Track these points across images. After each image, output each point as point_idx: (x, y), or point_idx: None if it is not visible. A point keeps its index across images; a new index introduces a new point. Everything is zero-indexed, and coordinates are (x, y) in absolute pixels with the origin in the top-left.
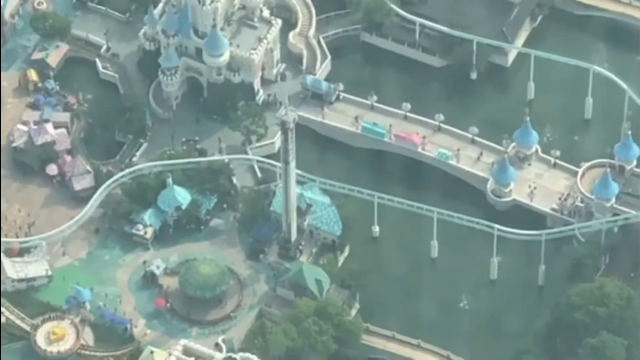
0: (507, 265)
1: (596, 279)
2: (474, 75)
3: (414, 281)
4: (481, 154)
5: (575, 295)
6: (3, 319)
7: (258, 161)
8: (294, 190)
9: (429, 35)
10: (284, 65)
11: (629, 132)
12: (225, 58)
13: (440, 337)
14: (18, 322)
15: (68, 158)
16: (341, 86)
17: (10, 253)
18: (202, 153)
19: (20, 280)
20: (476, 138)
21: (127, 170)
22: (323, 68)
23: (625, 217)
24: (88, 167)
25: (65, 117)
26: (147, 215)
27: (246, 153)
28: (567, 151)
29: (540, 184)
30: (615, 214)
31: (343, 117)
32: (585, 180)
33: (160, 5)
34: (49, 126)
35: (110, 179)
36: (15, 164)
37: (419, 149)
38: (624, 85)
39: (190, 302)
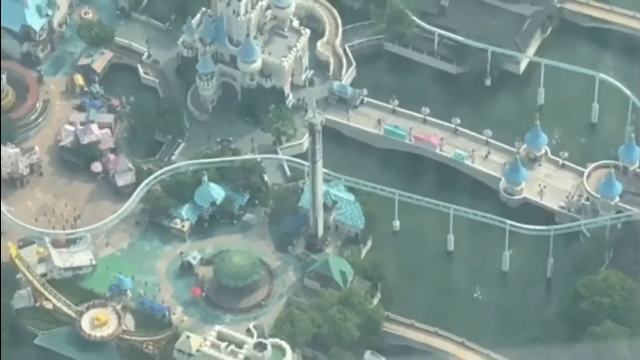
0: (518, 258)
1: (601, 271)
2: (488, 82)
3: (432, 273)
4: (489, 152)
5: (581, 287)
6: (50, 306)
7: (288, 160)
8: (321, 187)
9: (447, 45)
10: (312, 72)
11: (632, 136)
12: (257, 65)
13: (456, 325)
14: (64, 308)
15: (111, 156)
16: (365, 91)
17: (57, 244)
18: (236, 152)
19: (66, 269)
20: (490, 140)
21: (166, 168)
22: (348, 74)
23: (628, 215)
24: (130, 165)
25: (109, 118)
26: (185, 210)
27: (276, 153)
28: (574, 153)
29: (550, 183)
30: (618, 212)
31: (367, 120)
32: (591, 180)
33: (198, 15)
34: (94, 127)
35: (151, 176)
36: (62, 162)
37: (437, 150)
38: (627, 92)
39: (224, 291)
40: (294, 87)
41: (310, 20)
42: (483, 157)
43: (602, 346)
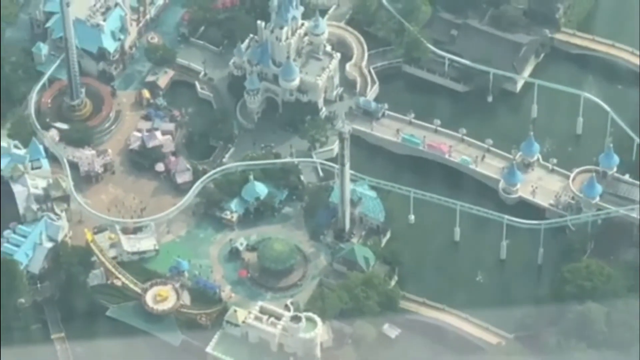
0: (514, 247)
1: (583, 259)
2: (490, 99)
3: (441, 259)
4: (484, 156)
5: (566, 272)
6: (120, 283)
7: (320, 163)
8: (348, 186)
9: (455, 67)
10: (341, 89)
11: (611, 145)
12: (296, 82)
13: (461, 303)
14: (131, 286)
15: (172, 158)
16: (386, 105)
17: (126, 231)
18: (277, 156)
19: (133, 253)
20: (491, 148)
21: (218, 169)
22: (372, 91)
23: (607, 212)
24: (188, 166)
25: (170, 126)
26: (233, 204)
27: (311, 157)
28: (562, 159)
29: (541, 185)
30: (599, 209)
31: (387, 130)
32: (576, 183)
33: (247, 41)
34: (158, 133)
35: (205, 175)
36: (131, 162)
37: (446, 156)
38: (607, 108)
39: (265, 273)
40: (326, 101)
41: (341, 46)
42: (480, 159)
43: (583, 321)
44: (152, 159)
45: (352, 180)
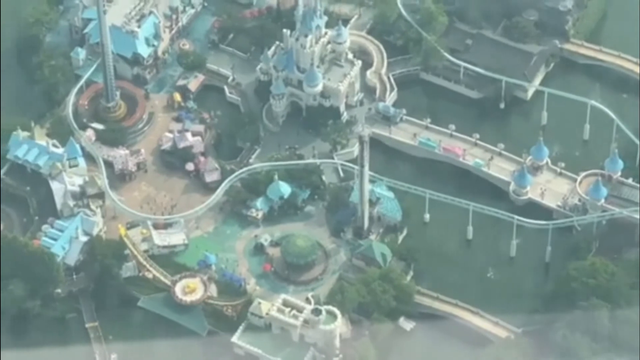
0: (523, 246)
1: (589, 258)
2: (502, 106)
3: (454, 256)
4: (492, 157)
5: (572, 270)
6: (151, 276)
7: (341, 164)
8: (367, 186)
9: (470, 75)
10: (362, 94)
11: (616, 150)
12: (319, 88)
13: (473, 299)
14: (162, 278)
15: (202, 158)
16: (404, 111)
17: (157, 227)
18: (300, 157)
19: (164, 247)
20: (503, 152)
21: (245, 169)
22: (391, 97)
23: (611, 213)
24: (216, 165)
25: (200, 128)
26: (259, 202)
27: (332, 158)
28: (569, 163)
29: (549, 187)
30: (604, 211)
31: (405, 134)
32: (582, 185)
33: (273, 48)
34: (188, 134)
35: (233, 175)
36: (162, 162)
37: (461, 159)
38: (613, 116)
39: (288, 267)
40: (348, 106)
41: (362, 54)
42: (488, 161)
43: (588, 317)
44: (182, 159)
45: (371, 181)
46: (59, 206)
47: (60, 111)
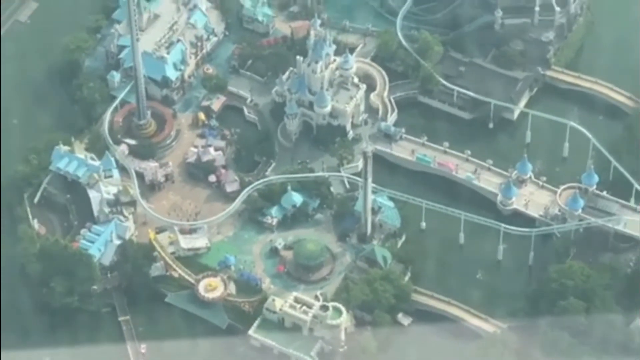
0: (509, 251)
1: (567, 262)
2: (491, 125)
3: (448, 259)
4: (476, 170)
5: (553, 272)
6: (177, 275)
7: (347, 177)
8: (370, 196)
9: (462, 98)
10: (366, 115)
11: (592, 166)
12: (328, 109)
13: (464, 297)
14: (187, 277)
15: (223, 171)
16: (403, 130)
17: (183, 231)
18: (311, 170)
19: (189, 250)
20: (491, 167)
21: (262, 180)
22: (392, 117)
23: (588, 222)
24: (236, 177)
25: (222, 143)
26: (274, 210)
27: (339, 171)
28: (550, 177)
29: (532, 199)
30: (581, 220)
31: (404, 150)
32: (562, 197)
33: (287, 73)
34: (211, 149)
35: (250, 185)
36: (188, 174)
37: (454, 173)
38: (589, 136)
39: (299, 268)
40: (353, 125)
41: (366, 78)
42: (475, 173)
43: (566, 314)
44: (205, 171)
45: (374, 192)
46: (95, 212)
47: (97, 128)
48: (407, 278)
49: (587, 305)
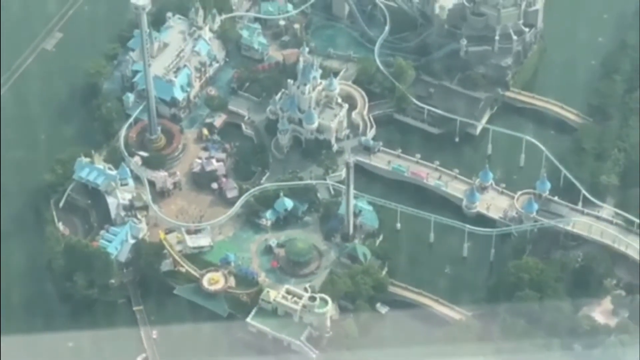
0: (473, 248)
1: (523, 258)
2: (457, 139)
3: (419, 256)
4: (440, 176)
5: (511, 267)
6: (184, 270)
7: (332, 184)
8: (352, 201)
9: (432, 116)
10: (348, 130)
11: (545, 175)
12: (315, 125)
13: (433, 289)
14: (192, 272)
15: (224, 179)
16: (381, 143)
17: (189, 232)
18: (300, 179)
19: (194, 248)
20: (457, 175)
21: (257, 187)
22: (371, 133)
23: (541, 224)
24: (235, 185)
25: (223, 155)
26: (268, 213)
27: (325, 179)
28: (509, 184)
29: (493, 203)
30: (535, 221)
31: (381, 161)
32: (519, 202)
33: (280, 94)
34: (213, 160)
35: (248, 192)
36: (193, 182)
37: (425, 181)
38: (542, 148)
39: (291, 264)
40: (337, 139)
41: (348, 99)
42: (437, 178)
43: (523, 304)
44: (209, 179)
45: (355, 197)
46: (113, 216)
47: (114, 142)
48: (384, 272)
49: (540, 295)
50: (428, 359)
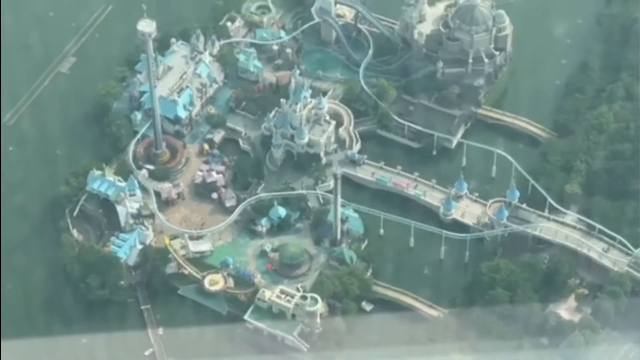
0: (449, 251)
1: (495, 260)
2: (434, 153)
3: (400, 258)
4: (416, 185)
5: (484, 268)
6: (187, 272)
7: (321, 194)
8: (339, 209)
9: (412, 131)
10: (336, 145)
11: (514, 184)
12: (306, 140)
13: (413, 288)
14: (195, 274)
15: (223, 190)
16: (365, 156)
17: (192, 238)
18: (293, 189)
19: (196, 252)
20: (435, 185)
21: (253, 197)
22: (356, 147)
23: (511, 229)
24: (233, 195)
25: (222, 168)
26: (263, 220)
27: (315, 190)
28: (482, 193)
29: (468, 210)
30: (506, 227)
31: (366, 172)
32: (491, 209)
33: (273, 112)
34: (213, 173)
35: (245, 201)
36: (196, 192)
37: (405, 190)
38: (512, 160)
39: (284, 266)
40: (326, 153)
41: (336, 116)
42: (414, 187)
43: (494, 302)
44: (209, 190)
45: (342, 206)
46: (122, 223)
47: (123, 156)
48: (369, 273)
49: (511, 294)
50: (409, 353)
